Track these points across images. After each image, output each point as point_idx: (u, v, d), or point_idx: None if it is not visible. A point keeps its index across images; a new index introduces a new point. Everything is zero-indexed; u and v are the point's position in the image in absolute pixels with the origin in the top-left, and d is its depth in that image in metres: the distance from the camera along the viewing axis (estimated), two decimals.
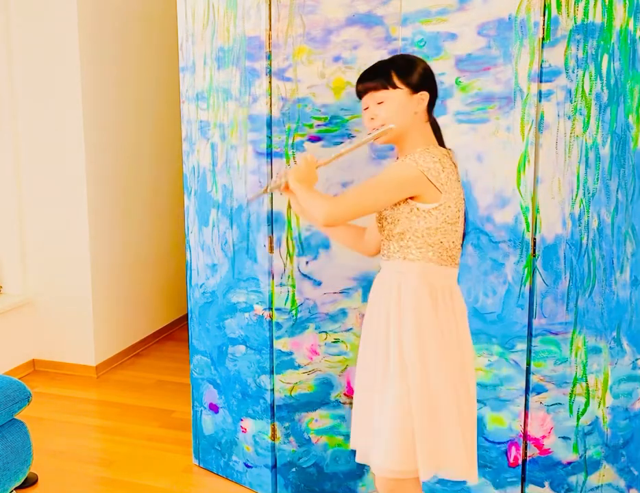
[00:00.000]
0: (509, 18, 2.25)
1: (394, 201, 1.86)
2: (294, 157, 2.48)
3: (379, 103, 1.90)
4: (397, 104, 1.89)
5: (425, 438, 1.85)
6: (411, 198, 1.85)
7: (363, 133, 2.22)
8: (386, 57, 2.39)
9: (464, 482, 2.50)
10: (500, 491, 2.48)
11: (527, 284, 2.35)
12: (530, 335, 2.37)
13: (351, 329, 2.59)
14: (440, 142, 1.98)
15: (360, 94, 1.95)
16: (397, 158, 1.99)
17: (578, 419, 2.41)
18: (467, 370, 1.95)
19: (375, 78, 1.90)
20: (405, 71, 1.90)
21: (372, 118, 1.92)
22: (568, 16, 2.21)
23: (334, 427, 2.64)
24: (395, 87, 1.88)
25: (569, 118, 2.26)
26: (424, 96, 1.90)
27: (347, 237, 2.18)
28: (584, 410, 2.41)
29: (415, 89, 1.89)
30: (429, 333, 1.88)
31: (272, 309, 2.57)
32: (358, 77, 1.97)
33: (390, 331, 1.91)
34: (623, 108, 2.24)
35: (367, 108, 1.94)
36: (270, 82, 2.45)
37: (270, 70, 2.44)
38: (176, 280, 4.64)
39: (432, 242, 1.88)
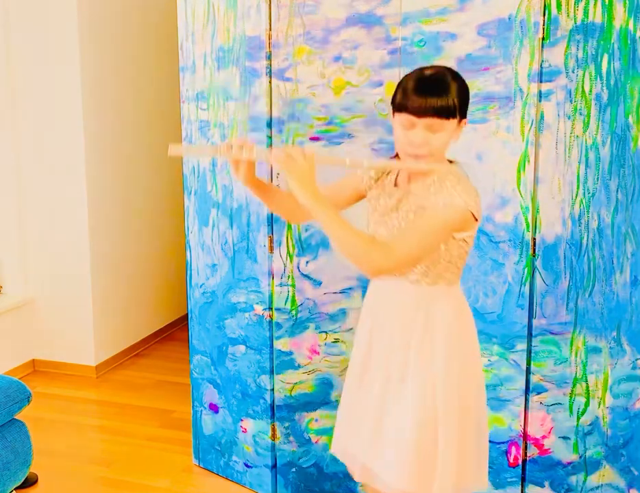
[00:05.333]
0: (509, 18, 2.25)
1: (443, 242, 1.75)
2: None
3: (434, 131, 1.68)
4: (449, 135, 1.71)
5: (451, 464, 1.80)
6: None
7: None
8: (387, 57, 2.41)
9: None
10: (500, 491, 2.48)
11: (527, 284, 2.35)
12: (530, 335, 2.37)
13: (351, 329, 2.59)
14: None
15: (416, 112, 1.65)
16: (409, 178, 1.82)
17: (578, 419, 2.41)
18: (483, 379, 1.94)
19: (446, 105, 1.65)
20: (464, 98, 1.71)
21: (413, 146, 1.69)
22: (568, 16, 2.21)
23: (334, 427, 2.63)
24: (454, 117, 1.69)
25: (569, 118, 2.26)
26: (464, 123, 1.74)
27: (285, 205, 1.98)
28: (584, 410, 2.41)
29: (463, 116, 1.73)
30: (462, 354, 1.84)
31: (272, 309, 2.57)
32: (413, 84, 1.66)
33: (412, 354, 1.81)
34: (623, 108, 2.24)
35: (413, 128, 1.68)
36: (270, 82, 2.45)
37: (270, 70, 2.44)
38: (176, 280, 4.64)
39: (460, 264, 1.82)
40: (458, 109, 1.68)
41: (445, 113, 1.66)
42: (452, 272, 1.82)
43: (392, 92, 1.76)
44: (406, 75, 1.74)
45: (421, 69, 1.73)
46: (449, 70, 1.74)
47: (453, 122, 1.69)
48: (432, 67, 1.75)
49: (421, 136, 1.68)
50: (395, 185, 1.85)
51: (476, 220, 1.75)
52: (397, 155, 1.88)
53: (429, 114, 1.65)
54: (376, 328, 1.90)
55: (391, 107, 1.76)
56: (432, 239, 1.71)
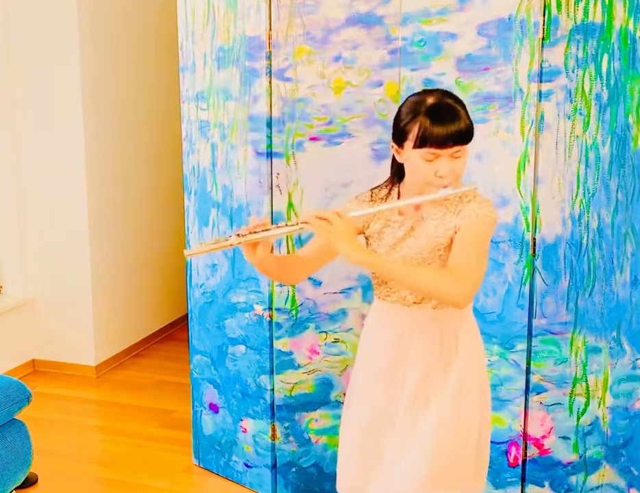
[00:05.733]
0: (509, 18, 2.25)
1: None
2: (294, 156, 2.47)
3: (456, 157, 1.67)
4: (467, 156, 1.71)
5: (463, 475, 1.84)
6: None
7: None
8: (387, 57, 2.41)
9: None
10: (500, 491, 2.48)
11: (527, 284, 2.35)
12: (530, 335, 2.37)
13: (351, 329, 2.59)
14: None
15: (441, 144, 1.64)
16: (416, 205, 1.77)
17: (578, 419, 2.41)
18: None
19: (465, 130, 1.66)
20: (469, 115, 1.70)
21: (441, 176, 1.67)
22: (568, 16, 2.21)
23: (334, 427, 2.63)
24: (472, 138, 1.70)
25: (569, 118, 2.26)
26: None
27: (287, 270, 1.91)
28: (584, 410, 2.41)
29: None
30: (484, 368, 1.91)
31: (272, 309, 2.57)
32: (433, 117, 1.64)
33: (438, 375, 1.80)
34: (623, 108, 2.24)
35: (436, 159, 1.66)
36: (270, 82, 2.45)
37: (270, 70, 2.44)
38: (176, 280, 4.63)
39: None
40: (473, 131, 1.69)
41: (467, 138, 1.67)
42: None
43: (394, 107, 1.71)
44: (404, 107, 1.71)
45: (421, 97, 1.69)
46: (445, 93, 1.71)
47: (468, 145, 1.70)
48: (428, 94, 1.70)
49: (447, 166, 1.67)
50: (400, 213, 1.79)
51: None
52: (392, 178, 1.83)
53: (453, 143, 1.65)
54: (401, 356, 1.83)
55: (395, 142, 1.73)
56: (483, 249, 1.73)
